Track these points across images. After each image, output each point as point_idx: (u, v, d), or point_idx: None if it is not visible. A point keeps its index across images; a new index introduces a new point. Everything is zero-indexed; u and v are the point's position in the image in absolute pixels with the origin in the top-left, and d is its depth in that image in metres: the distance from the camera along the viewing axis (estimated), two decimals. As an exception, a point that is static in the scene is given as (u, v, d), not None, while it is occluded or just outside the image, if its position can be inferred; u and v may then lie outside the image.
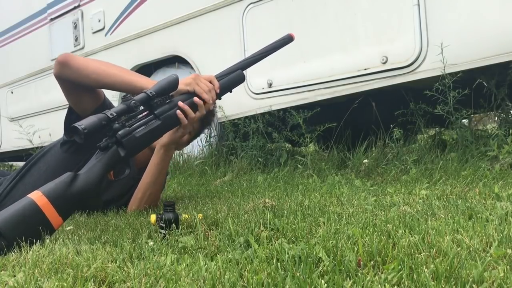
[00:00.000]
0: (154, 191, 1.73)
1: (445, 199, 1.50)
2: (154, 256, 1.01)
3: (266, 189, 2.11)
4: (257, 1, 3.03)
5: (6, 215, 1.16)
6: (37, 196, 1.20)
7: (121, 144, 1.36)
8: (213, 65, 3.35)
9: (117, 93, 3.52)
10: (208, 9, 3.31)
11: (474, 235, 0.99)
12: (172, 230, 1.18)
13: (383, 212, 1.33)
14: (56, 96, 4.26)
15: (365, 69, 2.59)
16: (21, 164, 2.96)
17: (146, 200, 1.71)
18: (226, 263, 0.90)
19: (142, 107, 1.41)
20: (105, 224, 1.42)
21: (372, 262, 0.87)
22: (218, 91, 1.57)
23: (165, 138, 1.63)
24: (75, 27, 4.33)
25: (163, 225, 1.19)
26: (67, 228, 1.38)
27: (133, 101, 1.35)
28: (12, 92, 5.32)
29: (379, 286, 0.75)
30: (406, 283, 0.76)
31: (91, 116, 1.26)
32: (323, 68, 2.75)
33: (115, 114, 1.30)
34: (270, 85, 2.99)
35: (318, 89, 2.78)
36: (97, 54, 4.14)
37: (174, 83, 1.43)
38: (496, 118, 2.67)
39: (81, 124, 1.22)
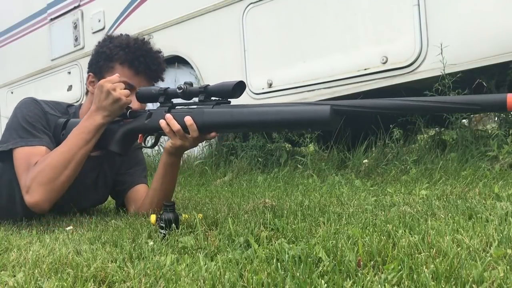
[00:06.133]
0: (161, 197, 1.59)
1: (445, 199, 1.50)
2: (154, 256, 1.01)
3: (266, 189, 2.11)
4: (257, 1, 3.03)
5: None
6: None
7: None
8: (213, 65, 3.35)
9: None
10: (208, 9, 3.31)
11: (474, 235, 0.99)
12: (172, 230, 1.18)
13: (383, 212, 1.33)
14: (56, 96, 4.27)
15: (365, 69, 2.58)
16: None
17: (154, 207, 1.59)
18: (226, 263, 0.90)
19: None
20: (105, 224, 1.43)
21: (372, 262, 0.87)
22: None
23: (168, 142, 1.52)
24: (75, 27, 4.33)
25: (163, 225, 1.19)
26: (67, 228, 1.38)
27: (180, 86, 1.43)
28: (12, 92, 5.31)
29: (379, 286, 0.75)
30: (406, 283, 0.76)
31: (148, 87, 1.57)
32: (323, 68, 2.75)
33: (162, 90, 1.48)
34: (270, 85, 2.99)
35: (318, 89, 2.78)
36: (97, 54, 4.13)
37: (227, 87, 1.38)
38: (496, 118, 2.67)
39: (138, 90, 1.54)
